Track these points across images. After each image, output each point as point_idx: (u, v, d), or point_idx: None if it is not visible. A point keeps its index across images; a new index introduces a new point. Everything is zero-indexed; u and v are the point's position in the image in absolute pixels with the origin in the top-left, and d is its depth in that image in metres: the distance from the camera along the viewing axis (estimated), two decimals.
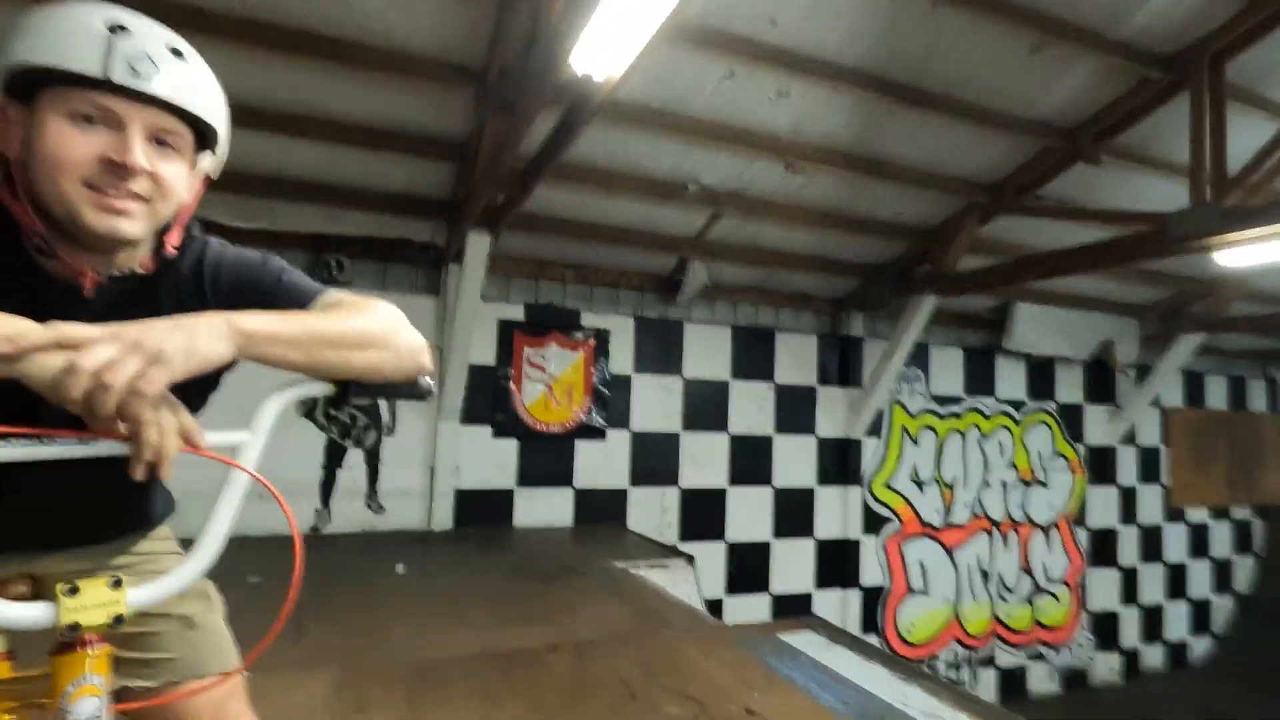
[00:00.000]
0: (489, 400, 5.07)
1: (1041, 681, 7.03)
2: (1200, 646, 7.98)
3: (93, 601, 0.68)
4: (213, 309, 0.79)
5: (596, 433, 5.40)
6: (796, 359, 6.18)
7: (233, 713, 1.03)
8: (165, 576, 0.76)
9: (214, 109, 0.87)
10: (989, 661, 6.79)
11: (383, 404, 4.84)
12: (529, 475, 5.17)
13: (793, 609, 5.85)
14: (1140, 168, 4.66)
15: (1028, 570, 7.06)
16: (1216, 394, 8.40)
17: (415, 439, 4.87)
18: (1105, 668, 7.39)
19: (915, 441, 6.59)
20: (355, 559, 3.98)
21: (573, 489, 5.31)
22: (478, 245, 4.27)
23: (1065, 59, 3.82)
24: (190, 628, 1.03)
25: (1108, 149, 4.43)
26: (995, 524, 6.93)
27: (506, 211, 4.09)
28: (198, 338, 0.71)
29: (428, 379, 0.94)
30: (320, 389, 0.85)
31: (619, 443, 5.48)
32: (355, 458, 4.75)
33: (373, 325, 0.88)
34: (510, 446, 5.14)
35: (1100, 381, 7.52)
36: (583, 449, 5.36)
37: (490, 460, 5.07)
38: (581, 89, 2.71)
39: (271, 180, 4.05)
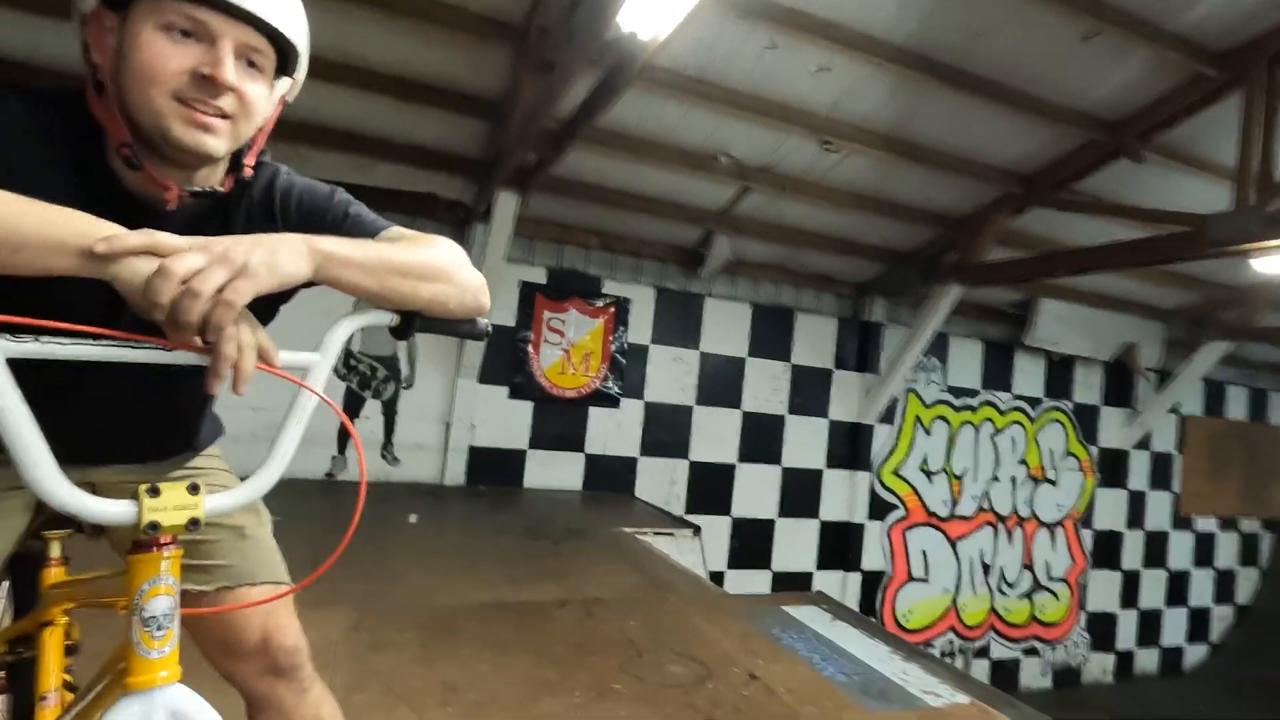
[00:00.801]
0: (507, 361, 5.11)
1: (1033, 676, 7.09)
2: (1196, 654, 8.01)
3: (172, 503, 0.70)
4: (281, 233, 0.79)
5: (611, 400, 5.44)
6: (814, 341, 6.16)
7: (281, 620, 1.06)
8: (238, 488, 0.77)
9: (300, 31, 0.88)
10: (983, 652, 6.85)
11: (402, 358, 4.88)
12: (542, 438, 5.23)
13: (792, 587, 5.91)
14: (1182, 167, 4.55)
15: (1029, 566, 7.09)
16: (1237, 404, 8.30)
17: (432, 394, 4.92)
18: (1098, 668, 7.44)
19: (928, 431, 6.58)
20: (369, 507, 4.00)
21: (584, 454, 5.36)
22: (506, 205, 4.26)
23: (1118, 49, 3.71)
24: (241, 538, 1.06)
25: (1151, 145, 4.33)
26: (1001, 518, 6.94)
27: (537, 173, 4.07)
28: (280, 255, 0.72)
29: (485, 320, 0.96)
30: (386, 318, 0.85)
31: (632, 412, 5.52)
32: (372, 409, 4.81)
33: (439, 258, 0.89)
34: (525, 408, 5.19)
35: (1119, 384, 7.45)
36: (596, 416, 5.40)
37: (505, 420, 5.12)
38: (625, 49, 2.68)
39: (302, 125, 4.04)
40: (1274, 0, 3.41)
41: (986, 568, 6.88)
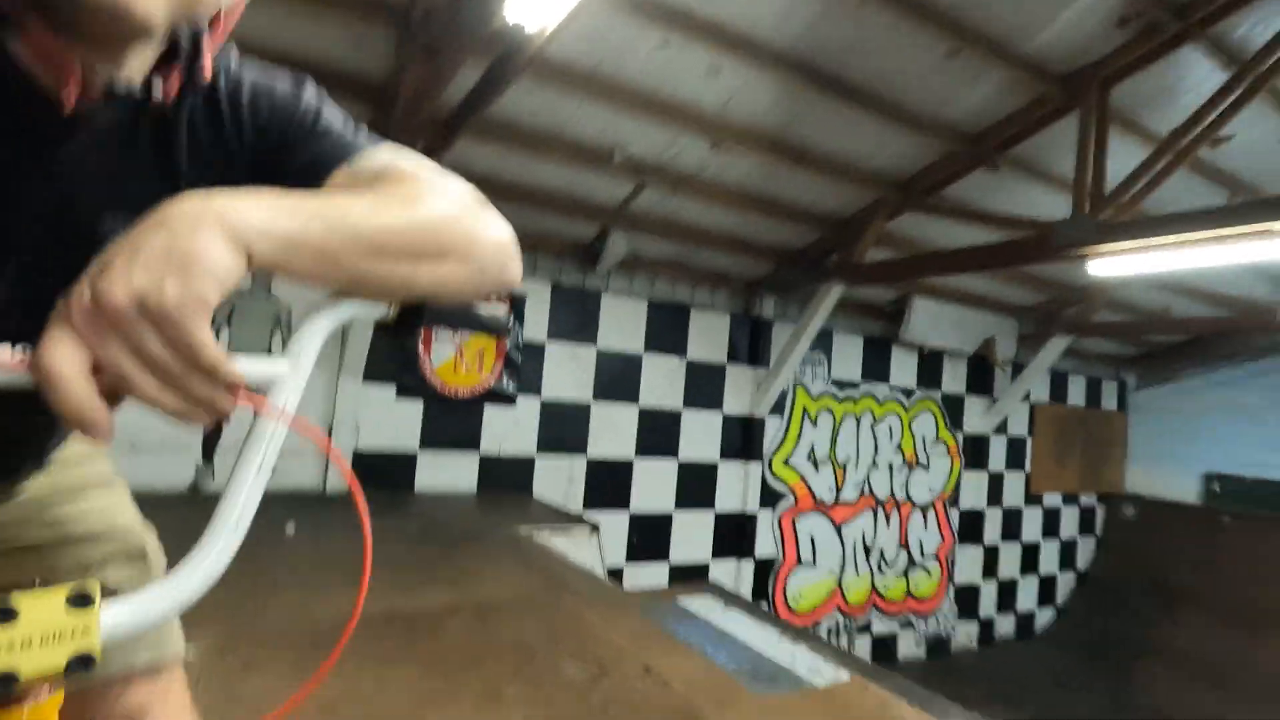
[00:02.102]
0: (395, 360, 4.87)
1: (910, 648, 7.64)
2: (1044, 617, 8.91)
3: (41, 632, 0.40)
4: (240, 163, 0.57)
5: (506, 399, 5.32)
6: (709, 336, 6.31)
7: (169, 714, 0.79)
8: (160, 583, 0.47)
9: None
10: (865, 629, 7.30)
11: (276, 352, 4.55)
12: (433, 439, 5.04)
13: (689, 578, 6.04)
14: (1031, 178, 5.03)
15: (905, 546, 7.62)
16: (1076, 392, 9.30)
17: (312, 395, 4.62)
18: (965, 636, 8.12)
19: (814, 422, 6.92)
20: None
21: (478, 455, 5.22)
22: None
23: (977, 68, 4.04)
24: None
25: (1005, 157, 4.76)
26: (880, 503, 7.42)
27: None
28: (203, 253, 0.43)
29: (505, 311, 0.73)
30: (375, 311, 0.58)
31: (528, 410, 5.43)
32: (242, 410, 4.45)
33: (445, 220, 0.58)
34: (415, 408, 4.98)
35: (980, 375, 8.15)
36: (491, 415, 5.27)
37: (393, 422, 4.89)
38: (512, 39, 2.61)
39: None
40: (1105, 30, 3.84)
41: (868, 550, 7.33)
